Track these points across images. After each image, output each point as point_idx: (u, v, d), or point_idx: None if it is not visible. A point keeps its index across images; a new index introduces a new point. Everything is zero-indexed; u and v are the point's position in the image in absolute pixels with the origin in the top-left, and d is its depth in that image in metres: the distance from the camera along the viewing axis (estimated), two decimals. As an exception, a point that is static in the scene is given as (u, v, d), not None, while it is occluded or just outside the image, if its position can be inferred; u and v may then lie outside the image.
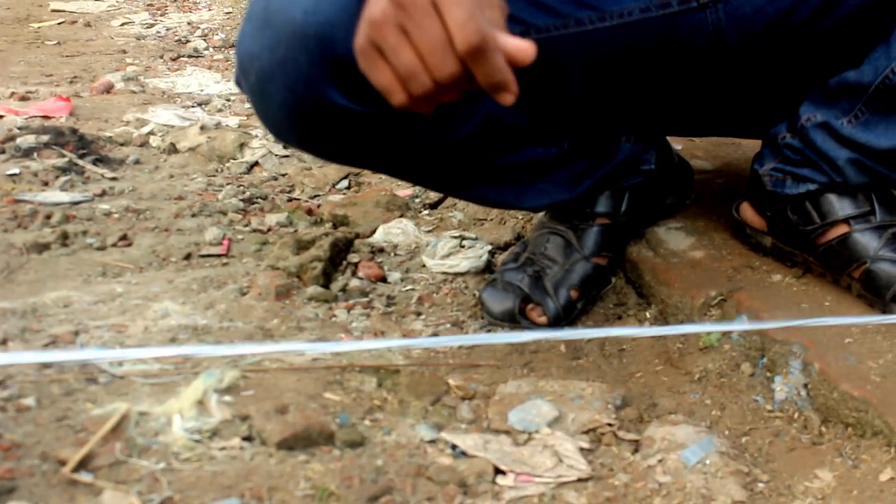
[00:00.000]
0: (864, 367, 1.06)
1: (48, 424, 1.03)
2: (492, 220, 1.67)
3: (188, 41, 3.30)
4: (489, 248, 1.50)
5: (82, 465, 0.96)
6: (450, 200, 1.74)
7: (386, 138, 1.12)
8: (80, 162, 1.98)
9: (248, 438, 1.02)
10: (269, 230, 1.67)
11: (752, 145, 1.35)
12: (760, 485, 0.98)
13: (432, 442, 1.05)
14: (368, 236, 1.62)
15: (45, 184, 1.86)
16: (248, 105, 2.42)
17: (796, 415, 1.08)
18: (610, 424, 1.07)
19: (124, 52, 3.16)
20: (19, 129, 2.12)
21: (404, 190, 1.79)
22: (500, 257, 1.47)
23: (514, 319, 1.28)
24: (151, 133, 2.24)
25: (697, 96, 1.27)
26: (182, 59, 3.06)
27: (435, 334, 1.29)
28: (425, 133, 1.14)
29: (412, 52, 0.81)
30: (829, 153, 1.20)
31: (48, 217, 1.67)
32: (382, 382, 1.15)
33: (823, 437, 1.05)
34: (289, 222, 1.70)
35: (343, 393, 1.12)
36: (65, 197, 1.79)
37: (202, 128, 2.20)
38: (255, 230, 1.66)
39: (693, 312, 1.25)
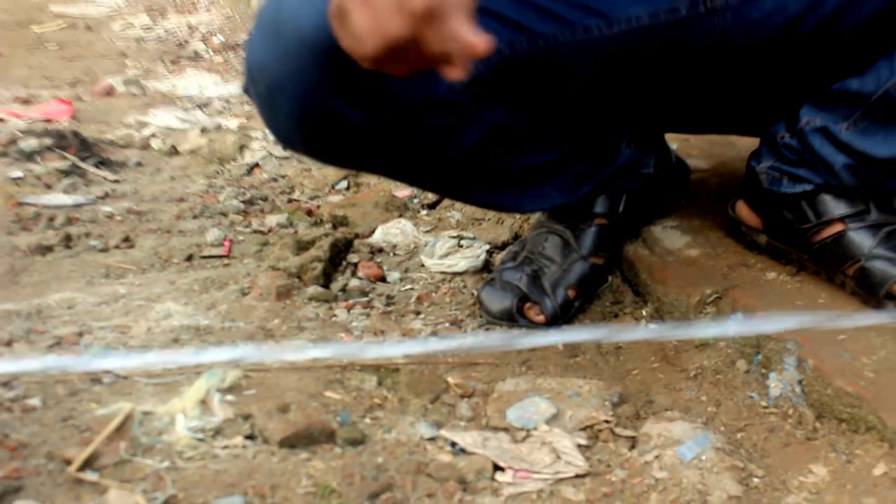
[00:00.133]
0: (858, 364, 1.07)
1: (53, 424, 1.04)
2: (489, 219, 1.67)
3: (188, 44, 3.31)
4: (487, 247, 1.51)
5: (87, 464, 0.96)
6: (448, 201, 1.75)
7: (392, 147, 1.13)
8: (83, 164, 1.99)
9: (250, 437, 1.03)
10: (269, 231, 1.68)
11: (748, 144, 1.36)
12: (755, 480, 0.99)
13: (432, 439, 1.05)
14: (368, 236, 1.63)
15: (48, 186, 1.87)
16: (247, 107, 2.44)
17: (791, 411, 1.09)
18: (607, 421, 1.08)
19: (125, 55, 3.17)
20: (22, 132, 2.13)
21: (403, 190, 1.80)
22: (498, 256, 1.48)
23: (513, 318, 1.29)
24: (152, 135, 2.25)
25: (698, 95, 1.27)
26: (182, 61, 3.07)
27: (434, 333, 1.30)
28: (431, 142, 1.15)
29: (368, 12, 0.81)
30: (826, 157, 1.20)
31: (51, 219, 1.68)
32: (382, 381, 1.16)
33: (818, 433, 1.05)
34: (289, 223, 1.71)
35: (344, 391, 1.13)
36: (68, 199, 1.80)
37: (202, 130, 2.22)
38: (255, 231, 1.67)
39: (689, 310, 1.26)
